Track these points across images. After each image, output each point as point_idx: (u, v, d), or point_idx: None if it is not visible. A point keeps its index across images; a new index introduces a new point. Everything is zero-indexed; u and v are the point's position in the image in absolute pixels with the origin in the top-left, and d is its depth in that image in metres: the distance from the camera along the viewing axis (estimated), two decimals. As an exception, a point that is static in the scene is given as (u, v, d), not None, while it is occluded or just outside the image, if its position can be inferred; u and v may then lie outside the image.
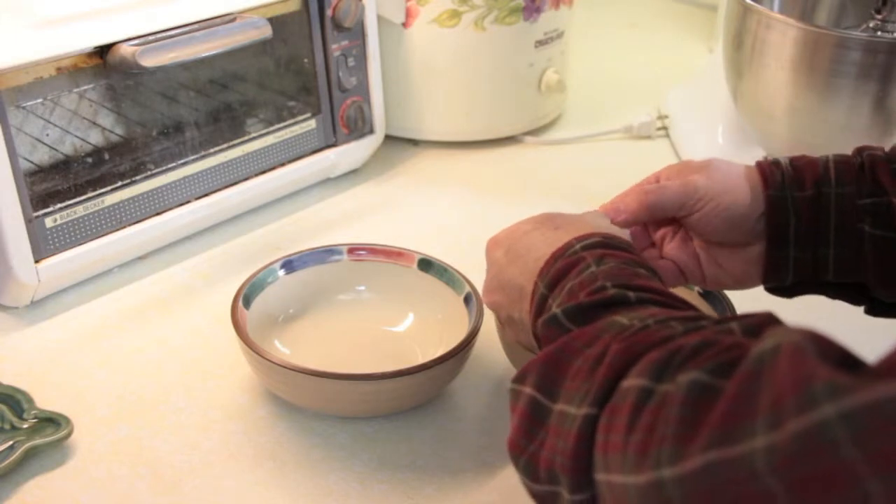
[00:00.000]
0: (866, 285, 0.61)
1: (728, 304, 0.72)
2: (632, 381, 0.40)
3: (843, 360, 0.33)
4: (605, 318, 0.46)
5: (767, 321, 0.41)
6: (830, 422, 0.29)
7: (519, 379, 0.47)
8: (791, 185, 0.60)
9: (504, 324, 0.61)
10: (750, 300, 0.77)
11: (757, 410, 0.32)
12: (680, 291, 0.75)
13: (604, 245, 0.52)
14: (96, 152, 0.84)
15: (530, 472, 0.45)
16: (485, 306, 0.72)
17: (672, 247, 0.65)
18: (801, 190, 0.60)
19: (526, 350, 0.67)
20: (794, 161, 0.62)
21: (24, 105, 0.78)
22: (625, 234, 0.60)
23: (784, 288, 0.63)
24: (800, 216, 0.60)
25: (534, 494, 0.46)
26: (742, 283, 0.65)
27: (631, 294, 0.47)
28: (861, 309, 0.64)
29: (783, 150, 0.91)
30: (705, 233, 0.62)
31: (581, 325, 0.47)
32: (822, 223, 0.60)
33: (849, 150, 0.63)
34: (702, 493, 0.34)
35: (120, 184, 0.82)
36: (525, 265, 0.56)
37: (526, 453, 0.45)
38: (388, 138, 1.07)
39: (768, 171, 0.61)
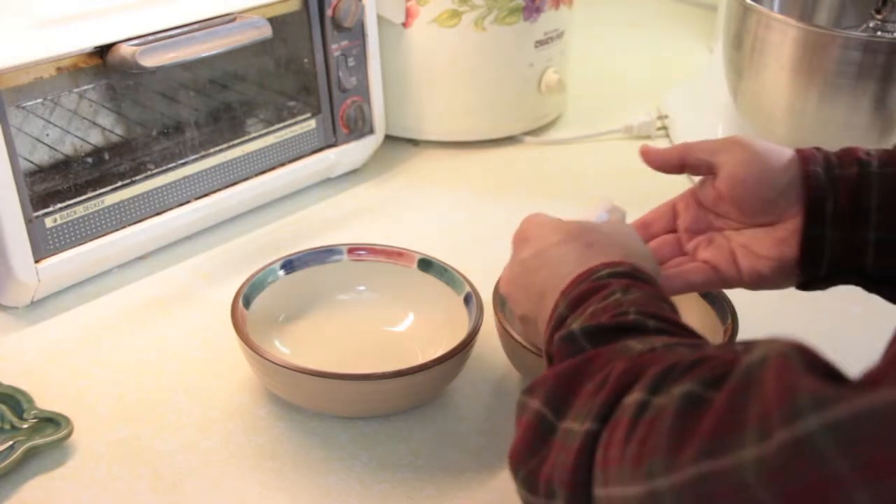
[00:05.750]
0: None
1: (728, 304, 0.72)
2: (632, 397, 0.40)
3: (828, 373, 0.33)
4: (619, 342, 0.46)
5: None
6: (815, 433, 0.30)
7: (528, 391, 0.47)
8: (831, 164, 0.61)
9: (517, 319, 0.61)
10: (750, 299, 0.77)
11: (746, 422, 0.33)
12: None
13: (631, 276, 0.52)
14: (96, 152, 0.84)
15: (529, 484, 0.45)
16: (488, 302, 0.72)
17: (708, 252, 0.65)
18: (842, 168, 0.60)
19: (527, 350, 0.67)
20: (835, 152, 0.62)
21: (24, 105, 0.78)
22: (653, 265, 0.59)
23: (818, 280, 0.62)
24: (838, 193, 0.60)
25: None
26: (779, 274, 0.63)
27: (651, 322, 0.47)
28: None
29: (783, 150, 0.91)
30: (737, 193, 0.62)
31: (596, 345, 0.47)
32: (863, 201, 0.59)
33: None
34: (695, 502, 0.34)
35: (120, 184, 0.82)
36: (552, 277, 0.55)
37: (527, 467, 0.45)
38: (388, 138, 1.07)
39: (808, 151, 0.62)
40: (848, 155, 0.61)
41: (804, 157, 0.61)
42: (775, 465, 0.31)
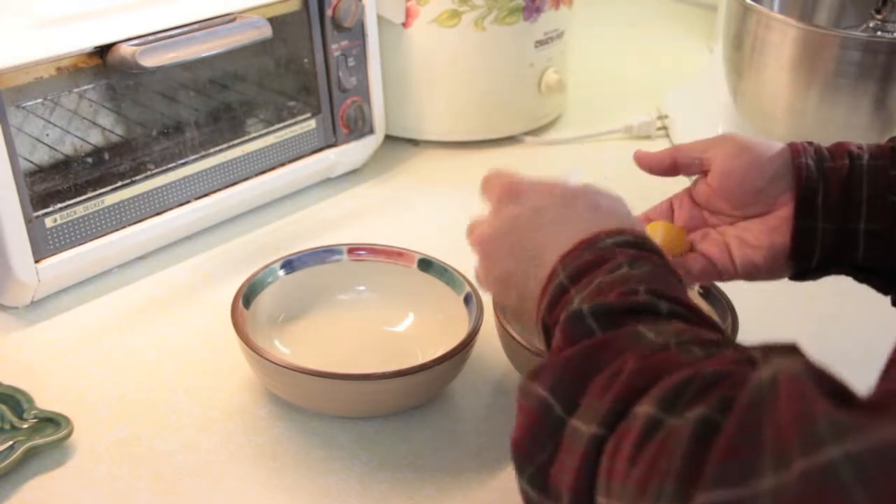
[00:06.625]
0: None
1: (727, 304, 0.72)
2: (643, 408, 0.38)
3: (837, 392, 0.33)
4: (631, 327, 0.44)
5: (791, 353, 0.39)
6: (837, 464, 0.29)
7: (533, 376, 0.45)
8: (823, 157, 0.61)
9: (495, 281, 0.56)
10: (749, 299, 0.77)
11: (760, 447, 0.32)
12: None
13: (636, 245, 0.50)
14: (96, 152, 0.84)
15: (537, 483, 0.43)
16: (488, 302, 0.72)
17: (702, 246, 0.65)
18: (833, 161, 0.61)
19: (527, 350, 0.67)
20: (826, 146, 0.63)
21: (24, 105, 0.78)
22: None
23: (810, 271, 0.63)
24: (829, 185, 0.60)
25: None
26: (772, 263, 0.62)
27: (663, 305, 0.45)
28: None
29: (783, 150, 0.91)
30: (727, 184, 0.63)
31: (606, 328, 0.45)
32: (854, 194, 0.60)
33: None
34: None
35: (120, 184, 0.82)
36: (551, 237, 0.52)
37: (534, 463, 0.43)
38: (388, 138, 1.07)
39: (799, 144, 0.62)
40: (839, 148, 0.62)
41: (795, 150, 0.62)
42: (795, 496, 0.30)
